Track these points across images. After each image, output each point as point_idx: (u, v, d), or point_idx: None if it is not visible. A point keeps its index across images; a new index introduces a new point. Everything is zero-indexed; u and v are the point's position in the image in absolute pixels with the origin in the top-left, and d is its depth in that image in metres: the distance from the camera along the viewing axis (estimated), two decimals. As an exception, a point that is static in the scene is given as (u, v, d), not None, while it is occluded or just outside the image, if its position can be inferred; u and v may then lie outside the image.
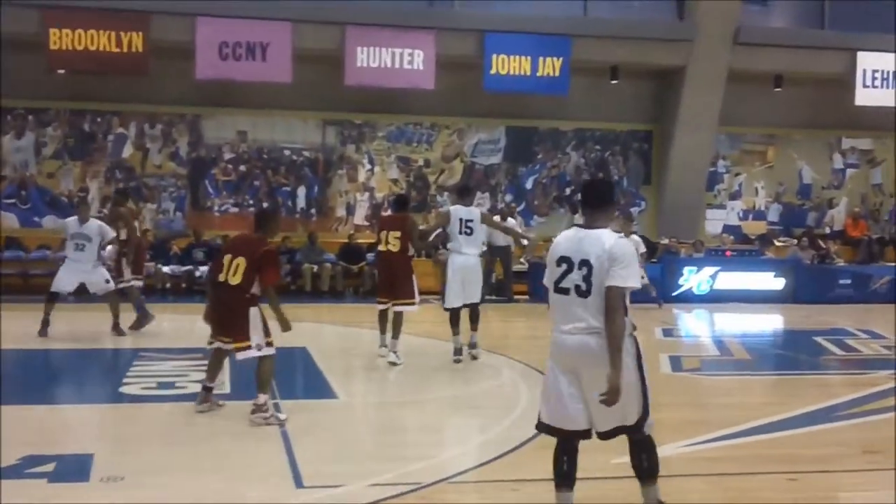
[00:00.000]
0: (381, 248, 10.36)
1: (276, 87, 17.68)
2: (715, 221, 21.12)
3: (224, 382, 8.86)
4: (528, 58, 18.44)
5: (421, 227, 10.96)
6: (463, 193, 10.68)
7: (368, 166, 19.50)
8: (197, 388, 7.96)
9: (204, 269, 17.13)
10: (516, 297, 17.97)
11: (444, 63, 18.07)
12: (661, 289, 17.92)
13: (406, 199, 11.48)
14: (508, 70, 18.37)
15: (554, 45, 18.56)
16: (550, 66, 18.53)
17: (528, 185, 20.30)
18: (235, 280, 7.31)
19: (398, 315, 10.19)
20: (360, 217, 19.28)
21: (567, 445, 4.77)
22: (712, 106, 19.49)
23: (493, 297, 17.69)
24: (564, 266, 4.67)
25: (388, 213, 11.51)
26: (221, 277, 7.38)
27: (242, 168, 19.00)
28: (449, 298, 10.38)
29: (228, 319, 7.44)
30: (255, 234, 7.69)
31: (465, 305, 10.41)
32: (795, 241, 20.25)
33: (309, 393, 9.14)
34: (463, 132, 19.89)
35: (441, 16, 18.87)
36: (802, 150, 21.44)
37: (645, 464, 4.77)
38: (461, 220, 10.15)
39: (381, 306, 10.41)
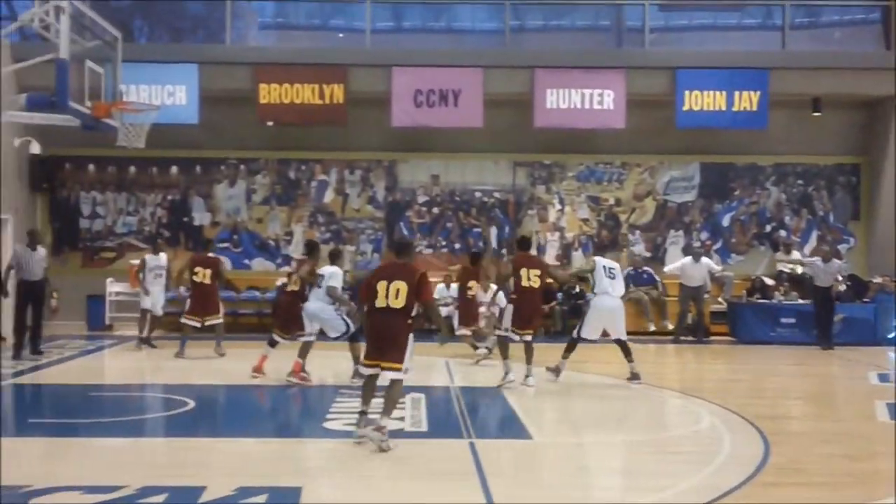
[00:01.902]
0: (523, 283, 11.46)
1: (468, 131, 18.16)
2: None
3: (421, 420, 9.13)
4: (723, 92, 18.08)
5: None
6: (606, 248, 12.38)
7: (559, 206, 19.60)
8: (396, 425, 8.24)
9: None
10: (715, 336, 17.51)
11: (635, 101, 18.00)
12: (874, 330, 17.04)
13: (528, 240, 12.89)
14: (702, 106, 18.07)
15: (750, 79, 18.12)
16: (747, 100, 18.10)
17: (725, 222, 19.76)
18: (398, 304, 7.70)
19: (530, 345, 11.59)
20: (550, 256, 19.35)
21: None
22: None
23: (689, 339, 17.34)
24: None
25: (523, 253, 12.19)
26: (381, 303, 7.71)
27: (435, 210, 19.55)
28: (586, 331, 11.77)
29: (391, 342, 7.78)
30: (403, 261, 8.07)
31: (617, 341, 11.83)
32: None
33: (503, 432, 9.24)
34: (655, 170, 19.67)
35: (631, 56, 18.84)
36: None
37: None
38: (605, 267, 11.79)
39: (516, 336, 11.60)
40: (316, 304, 11.50)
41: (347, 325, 11.49)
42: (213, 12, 19.32)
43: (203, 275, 13.98)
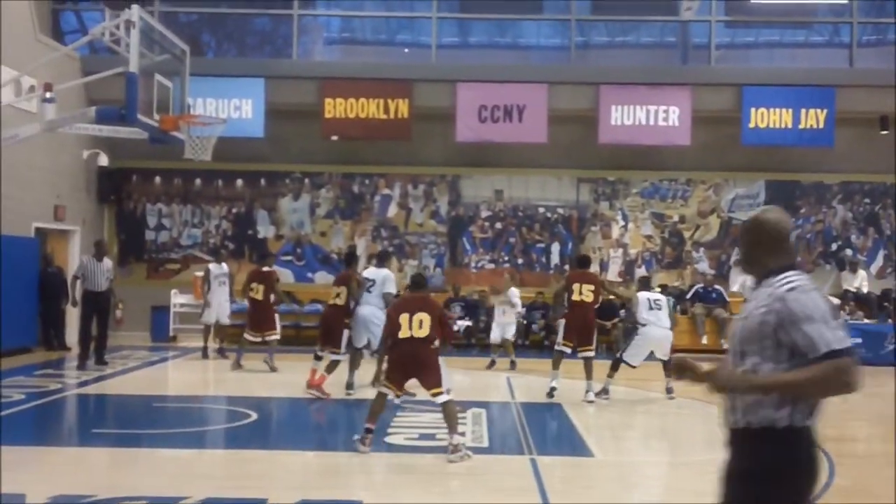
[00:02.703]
0: (574, 298, 11.71)
1: (532, 147, 18.13)
2: None
3: (482, 436, 9.11)
4: (790, 110, 17.83)
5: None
6: (647, 285, 12.80)
7: (622, 223, 19.45)
8: (458, 439, 8.22)
9: (462, 323, 17.71)
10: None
11: (700, 118, 17.82)
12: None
13: (588, 259, 13.13)
14: (768, 123, 17.85)
15: (817, 97, 17.86)
16: (814, 118, 17.82)
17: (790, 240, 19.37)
18: (422, 333, 8.10)
19: (588, 361, 11.69)
20: (613, 273, 19.20)
21: None
22: None
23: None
24: None
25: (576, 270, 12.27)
26: (405, 334, 8.10)
27: (498, 225, 19.53)
28: (630, 355, 11.90)
29: (423, 370, 8.21)
30: (421, 294, 8.56)
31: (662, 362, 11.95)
32: None
33: (565, 450, 9.16)
34: (720, 187, 19.42)
35: (696, 72, 18.67)
36: None
37: None
38: (648, 299, 12.00)
39: (567, 350, 11.77)
40: (367, 309, 11.50)
41: None
42: (279, 27, 19.63)
43: (257, 290, 13.98)
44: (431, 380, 8.18)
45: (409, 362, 8.20)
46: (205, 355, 15.46)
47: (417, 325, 8.13)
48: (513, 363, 14.75)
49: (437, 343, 8.23)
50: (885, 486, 7.51)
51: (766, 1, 18.01)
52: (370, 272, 11.84)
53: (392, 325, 8.25)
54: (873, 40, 19.66)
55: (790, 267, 3.39)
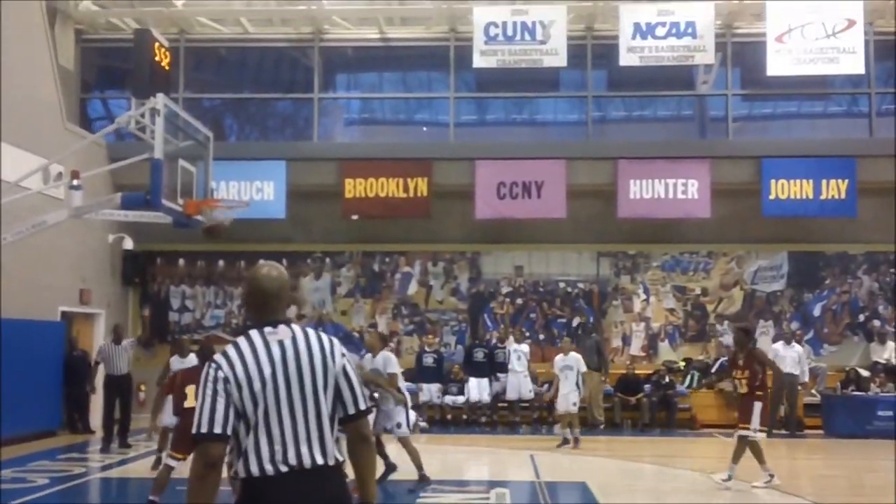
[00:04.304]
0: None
1: (551, 222, 18.19)
2: None
3: None
4: (810, 181, 17.84)
5: None
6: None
7: (644, 296, 19.37)
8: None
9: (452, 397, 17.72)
10: (809, 430, 16.87)
11: (720, 190, 17.85)
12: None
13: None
14: (789, 194, 17.85)
15: (838, 167, 17.87)
16: (835, 189, 17.81)
17: (816, 311, 19.24)
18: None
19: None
20: (636, 348, 19.06)
21: None
22: None
23: (782, 431, 16.77)
24: None
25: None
26: (191, 404, 8.16)
27: (519, 301, 19.50)
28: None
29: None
30: None
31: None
32: None
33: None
34: (742, 259, 19.34)
35: (714, 145, 18.78)
36: None
37: None
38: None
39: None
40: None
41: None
42: (300, 110, 20.01)
43: None
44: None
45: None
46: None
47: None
48: (576, 440, 14.23)
49: None
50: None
51: (782, 73, 18.14)
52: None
53: (179, 396, 8.52)
54: (892, 109, 19.73)
55: (264, 324, 3.54)
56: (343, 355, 3.57)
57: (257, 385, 3.39)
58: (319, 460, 3.39)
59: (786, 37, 18.00)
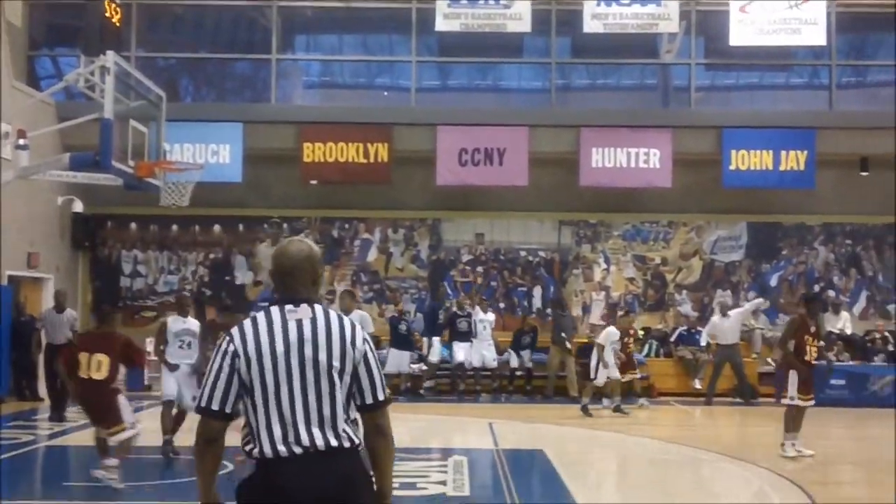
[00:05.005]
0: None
1: (513, 190, 18.05)
2: None
3: (464, 484, 8.88)
4: (770, 152, 17.86)
5: None
6: None
7: (604, 265, 19.34)
8: (438, 489, 7.98)
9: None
10: (764, 398, 16.97)
11: (681, 160, 17.81)
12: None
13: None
14: (749, 165, 17.86)
15: (797, 139, 17.90)
16: (794, 160, 17.84)
17: (773, 282, 19.36)
18: (100, 375, 8.29)
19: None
20: (595, 316, 19.03)
21: None
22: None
23: (737, 400, 16.88)
24: None
25: None
26: (85, 374, 8.31)
27: (480, 269, 19.38)
28: None
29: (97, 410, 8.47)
30: (105, 330, 9.04)
31: None
32: None
33: (547, 497, 8.94)
34: (701, 229, 19.37)
35: (677, 115, 18.70)
36: None
37: None
38: None
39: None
40: None
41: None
42: (258, 72, 19.56)
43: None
44: (109, 419, 8.30)
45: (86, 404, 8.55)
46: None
47: (96, 367, 8.27)
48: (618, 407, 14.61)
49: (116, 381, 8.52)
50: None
51: (745, 43, 18.11)
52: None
53: (73, 364, 8.45)
54: (853, 82, 19.83)
55: (286, 301, 3.42)
56: (365, 341, 3.41)
57: (268, 362, 3.28)
58: (333, 442, 3.27)
59: (749, 7, 17.96)
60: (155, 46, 19.39)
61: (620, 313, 17.25)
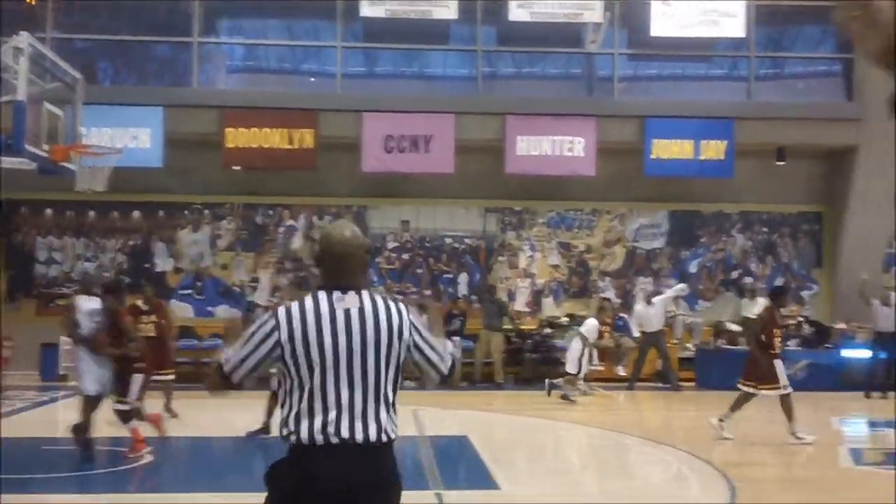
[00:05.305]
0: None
1: (439, 177, 18.05)
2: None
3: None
4: (691, 141, 18.18)
5: None
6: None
7: (529, 253, 19.50)
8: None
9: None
10: (683, 383, 17.34)
11: (605, 149, 18.01)
12: (837, 376, 16.99)
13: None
14: (670, 154, 18.15)
15: (717, 129, 18.25)
16: (714, 149, 18.19)
17: (692, 269, 19.77)
18: None
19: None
20: (521, 303, 19.19)
21: None
22: (887, 185, 18.52)
23: (660, 385, 17.21)
24: None
25: None
26: None
27: (405, 256, 19.36)
28: None
29: None
30: None
31: None
32: None
33: (470, 483, 9.00)
34: (624, 217, 19.66)
35: (601, 104, 18.90)
36: None
37: None
38: None
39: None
40: None
41: None
42: (180, 55, 19.16)
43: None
44: None
45: None
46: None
47: None
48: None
49: None
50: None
51: (666, 35, 18.38)
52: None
53: None
54: (770, 74, 20.25)
55: (334, 288, 3.44)
56: (412, 326, 3.44)
57: (314, 351, 3.30)
58: (373, 437, 3.28)
59: (671, -2, 18.21)
60: (73, 28, 18.84)
61: (599, 306, 17.55)
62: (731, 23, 18.37)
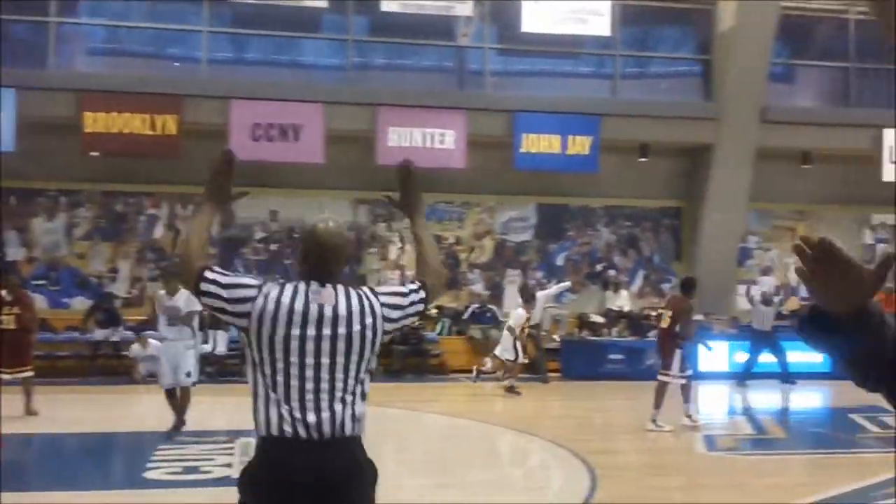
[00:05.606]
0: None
1: (309, 167, 17.80)
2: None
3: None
4: (558, 136, 18.50)
5: None
6: None
7: (399, 245, 19.48)
8: (224, 472, 7.77)
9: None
10: (548, 373, 17.66)
11: (475, 142, 18.15)
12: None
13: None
14: (539, 148, 18.44)
15: (583, 125, 18.63)
16: (580, 145, 18.57)
17: (559, 261, 20.17)
18: None
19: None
20: (390, 296, 19.14)
21: None
22: (741, 183, 19.37)
23: (529, 376, 17.46)
24: None
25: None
26: None
27: (273, 247, 19.04)
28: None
29: None
30: None
31: None
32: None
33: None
34: (493, 210, 19.88)
35: (471, 97, 19.02)
36: (833, 225, 21.14)
37: None
38: None
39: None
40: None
41: None
42: (35, 36, 18.25)
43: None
44: None
45: None
46: None
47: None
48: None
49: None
50: (645, 496, 7.77)
51: (536, 31, 18.64)
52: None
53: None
54: (635, 73, 20.80)
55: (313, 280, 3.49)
56: (383, 306, 3.47)
57: (279, 338, 3.29)
58: (339, 429, 3.28)
59: (541, -6, 18.49)
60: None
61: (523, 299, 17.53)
62: (599, 22, 18.81)
